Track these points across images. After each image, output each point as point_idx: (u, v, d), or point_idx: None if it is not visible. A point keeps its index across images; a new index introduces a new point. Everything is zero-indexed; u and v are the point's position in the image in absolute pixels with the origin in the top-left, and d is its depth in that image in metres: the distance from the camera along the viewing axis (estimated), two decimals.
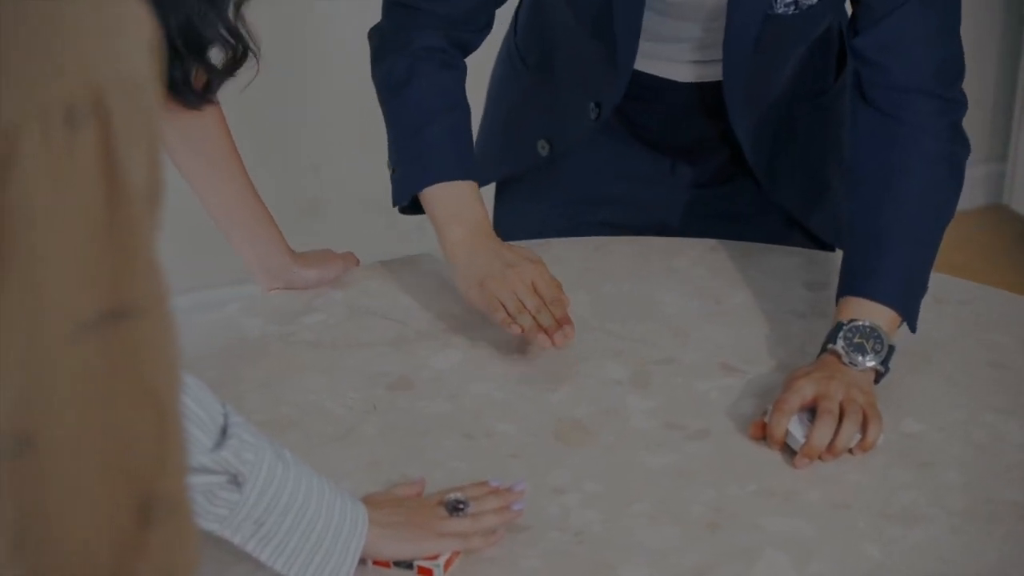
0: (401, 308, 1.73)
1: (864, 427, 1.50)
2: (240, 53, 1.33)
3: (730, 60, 1.71)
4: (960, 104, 1.67)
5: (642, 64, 1.79)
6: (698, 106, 1.83)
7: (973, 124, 1.69)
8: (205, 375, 1.36)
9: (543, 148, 1.89)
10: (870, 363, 1.55)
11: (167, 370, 0.75)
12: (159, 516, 0.75)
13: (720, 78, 1.75)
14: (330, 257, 1.78)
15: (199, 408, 1.19)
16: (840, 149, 1.84)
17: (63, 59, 0.69)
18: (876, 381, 1.57)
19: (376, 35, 1.76)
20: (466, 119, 1.72)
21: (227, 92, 1.52)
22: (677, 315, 1.73)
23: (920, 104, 1.64)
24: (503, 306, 1.59)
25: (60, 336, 0.70)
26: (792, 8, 1.66)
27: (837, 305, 1.61)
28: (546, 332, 1.58)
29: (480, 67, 1.91)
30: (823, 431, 1.48)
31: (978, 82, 3.69)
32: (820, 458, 1.49)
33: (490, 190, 1.87)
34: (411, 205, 1.73)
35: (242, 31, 1.30)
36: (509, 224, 1.91)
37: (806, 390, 1.52)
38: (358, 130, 3.02)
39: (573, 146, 1.88)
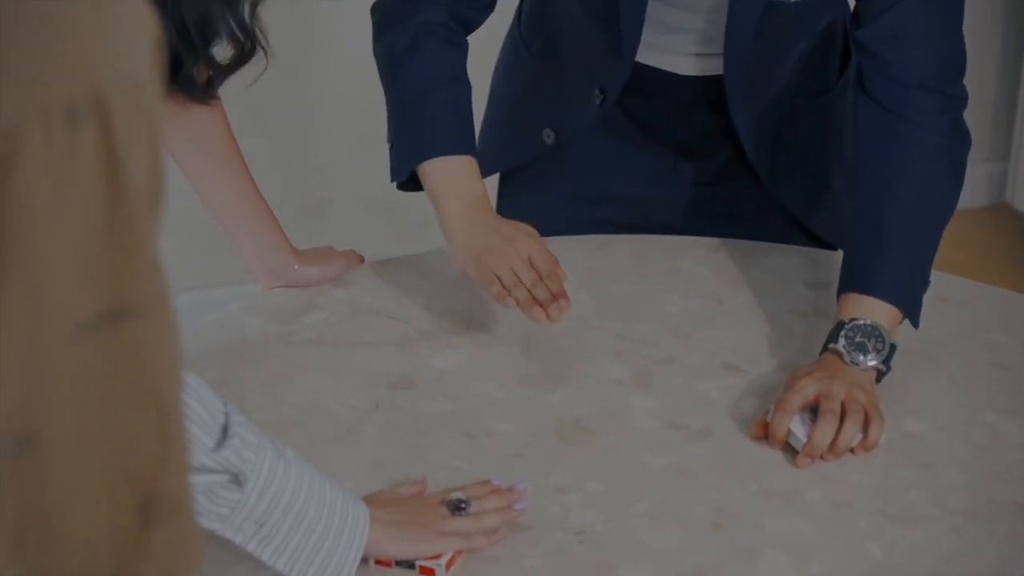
0: (403, 307, 1.73)
1: (866, 427, 1.50)
2: (248, 49, 1.33)
3: (731, 48, 1.71)
4: (961, 100, 1.67)
5: (645, 56, 1.79)
6: (700, 101, 1.84)
7: (975, 123, 1.69)
8: (206, 374, 1.36)
9: (548, 137, 1.89)
10: (872, 362, 1.55)
11: (168, 370, 0.75)
12: (161, 516, 0.75)
13: (722, 72, 1.75)
14: (332, 255, 1.78)
15: (200, 407, 1.19)
16: (842, 149, 1.84)
17: (64, 58, 0.69)
18: (878, 380, 1.57)
19: (379, 10, 1.76)
20: (467, 94, 1.72)
21: (231, 91, 1.52)
22: (679, 315, 1.73)
23: (921, 100, 1.64)
24: (499, 279, 1.58)
25: (61, 336, 0.70)
26: None
27: (838, 302, 1.61)
28: (541, 306, 1.57)
29: (483, 60, 1.91)
30: (825, 431, 1.48)
31: (980, 81, 3.69)
32: (822, 458, 1.49)
33: (492, 184, 1.86)
34: (410, 181, 1.73)
35: (253, 28, 1.30)
36: (511, 218, 1.91)
37: (808, 390, 1.52)
38: (362, 129, 3.02)
39: (578, 134, 1.88)
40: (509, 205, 1.97)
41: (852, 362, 1.55)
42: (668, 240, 1.88)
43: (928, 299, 1.64)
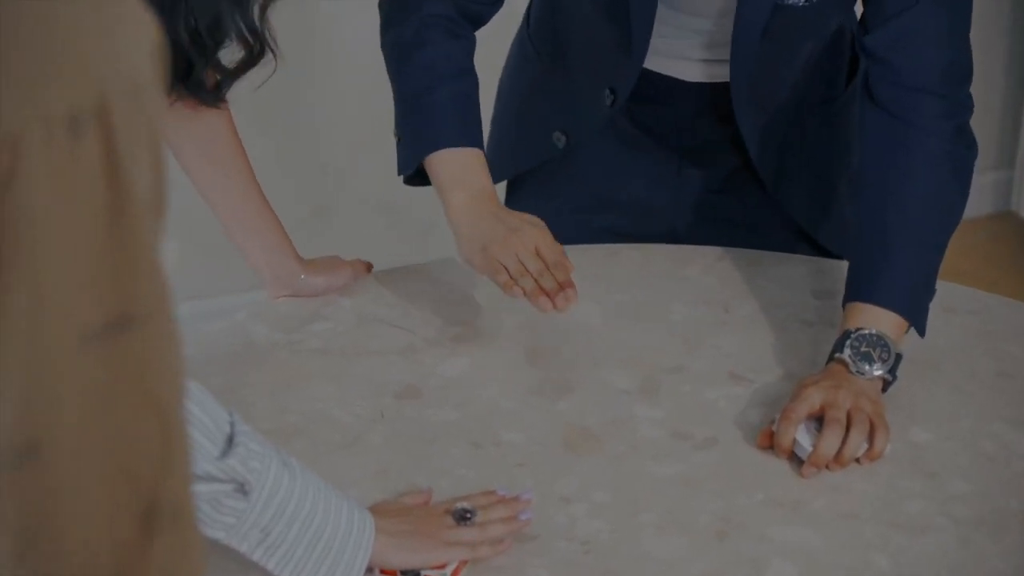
0: (409, 316, 1.73)
1: (871, 436, 1.50)
2: (257, 51, 1.33)
3: (738, 49, 1.71)
4: (967, 107, 1.67)
5: (652, 63, 1.79)
6: (707, 108, 1.84)
7: (981, 131, 1.69)
8: (212, 382, 1.36)
9: (559, 140, 1.89)
10: (877, 372, 1.55)
11: (171, 377, 0.75)
12: (163, 524, 0.75)
13: (729, 79, 1.75)
14: (338, 264, 1.78)
15: (205, 416, 1.19)
16: (849, 160, 1.84)
17: (65, 65, 0.69)
18: (884, 390, 1.57)
19: (386, 4, 1.76)
20: (473, 87, 1.72)
21: (235, 96, 1.52)
22: (685, 323, 1.73)
23: (927, 105, 1.64)
24: (505, 269, 1.57)
25: (63, 343, 0.70)
26: (802, 0, 1.66)
27: (844, 311, 1.61)
28: (548, 295, 1.56)
29: (490, 64, 1.91)
30: (831, 440, 1.48)
31: (986, 89, 3.68)
32: (827, 467, 1.48)
33: (500, 191, 1.86)
34: (416, 175, 1.72)
35: (262, 30, 1.30)
36: None
37: (814, 399, 1.52)
38: (366, 132, 3.02)
39: (588, 138, 1.88)
40: (517, 211, 1.97)
41: (858, 371, 1.55)
42: (674, 249, 1.88)
43: (934, 308, 1.64)
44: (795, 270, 1.84)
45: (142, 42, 0.73)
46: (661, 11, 1.71)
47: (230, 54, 1.34)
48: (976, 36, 1.68)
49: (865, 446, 1.49)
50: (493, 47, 1.94)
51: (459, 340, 1.69)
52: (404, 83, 1.71)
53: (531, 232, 1.59)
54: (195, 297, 3.01)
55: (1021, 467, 1.51)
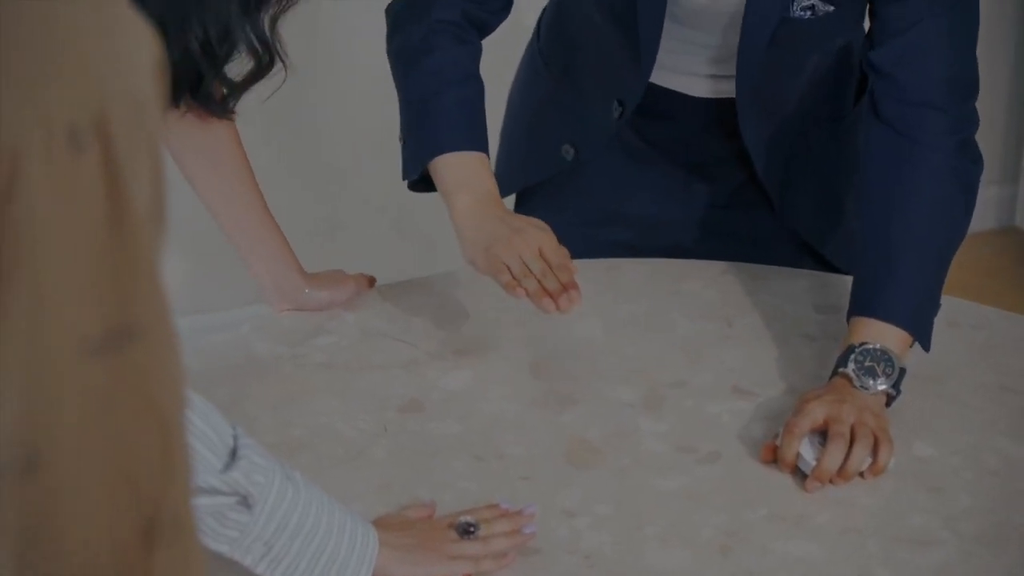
0: (412, 330, 1.73)
1: (875, 451, 1.50)
2: (266, 62, 1.33)
3: (743, 61, 1.71)
4: (972, 122, 1.67)
5: (659, 77, 1.80)
6: (714, 123, 1.84)
7: (985, 146, 1.69)
8: (216, 396, 1.37)
9: (568, 153, 1.90)
10: (881, 386, 1.55)
11: (172, 388, 0.75)
12: (164, 536, 0.75)
13: (735, 95, 1.76)
14: (342, 279, 1.78)
15: (209, 429, 1.19)
16: (856, 176, 1.84)
17: (66, 78, 0.69)
18: (888, 404, 1.57)
19: (392, 10, 1.76)
20: (479, 93, 1.72)
21: (242, 107, 1.52)
22: (688, 337, 1.73)
23: (932, 120, 1.64)
24: (508, 269, 1.56)
25: (65, 355, 0.70)
26: (808, 13, 1.66)
27: (848, 325, 1.61)
28: (551, 296, 1.54)
29: (497, 76, 1.91)
30: (834, 454, 1.48)
31: (990, 104, 3.69)
32: (831, 481, 1.48)
33: (509, 205, 1.87)
34: (421, 181, 1.72)
35: (271, 41, 1.30)
36: None
37: (817, 413, 1.52)
38: (373, 147, 3.03)
39: (597, 151, 1.89)
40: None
41: (861, 386, 1.55)
42: (677, 263, 1.88)
43: (939, 323, 1.64)
44: (798, 284, 1.84)
45: (143, 56, 0.73)
46: (668, 25, 1.72)
47: (237, 66, 1.35)
48: (981, 51, 1.68)
49: (869, 460, 1.49)
50: (500, 56, 1.94)
51: (462, 354, 1.69)
52: (410, 88, 1.72)
53: (535, 233, 1.59)
54: (199, 310, 3.02)
55: None
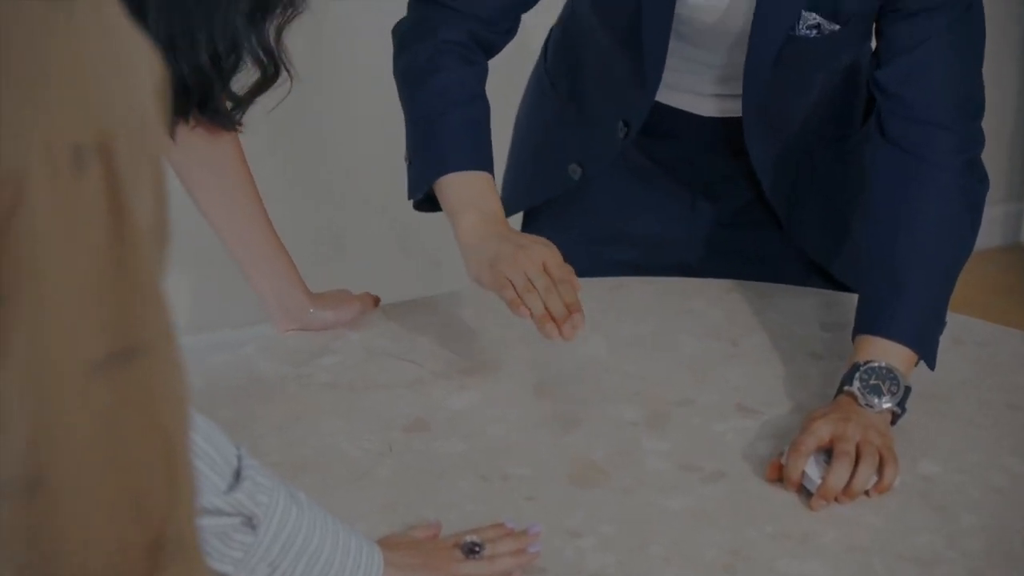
0: (417, 350, 1.73)
1: (880, 469, 1.49)
2: (271, 73, 1.33)
3: (750, 79, 1.71)
4: (979, 141, 1.67)
5: (665, 96, 1.80)
6: (720, 142, 1.84)
7: (990, 164, 1.69)
8: (221, 416, 1.36)
9: (575, 172, 1.90)
10: (886, 405, 1.55)
11: (176, 408, 0.75)
12: (169, 556, 0.75)
13: (741, 114, 1.76)
14: (347, 298, 1.78)
15: (213, 450, 1.19)
16: (863, 195, 1.84)
17: (68, 99, 0.69)
18: (893, 422, 1.56)
19: (399, 30, 1.77)
20: (485, 113, 1.72)
21: (248, 124, 1.52)
22: (694, 356, 1.73)
23: (938, 140, 1.64)
24: (512, 285, 1.56)
25: (69, 375, 0.70)
26: (815, 32, 1.66)
27: (853, 344, 1.61)
28: (555, 321, 1.54)
29: (503, 96, 1.91)
30: (840, 473, 1.48)
31: (997, 123, 3.69)
32: (836, 500, 1.48)
33: (515, 224, 1.87)
34: (426, 200, 1.72)
35: (276, 51, 1.30)
36: None
37: (822, 431, 1.51)
38: (377, 167, 3.03)
39: (603, 170, 1.89)
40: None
41: (867, 404, 1.55)
42: (683, 282, 1.88)
43: (944, 341, 1.64)
44: (803, 303, 1.84)
45: (145, 75, 0.73)
46: (673, 44, 1.72)
47: (242, 77, 1.35)
48: (987, 71, 1.68)
49: (874, 479, 1.49)
50: (507, 77, 1.94)
51: (467, 373, 1.69)
52: (416, 107, 1.72)
53: (540, 249, 1.58)
54: (203, 330, 3.02)
55: None
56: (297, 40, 1.30)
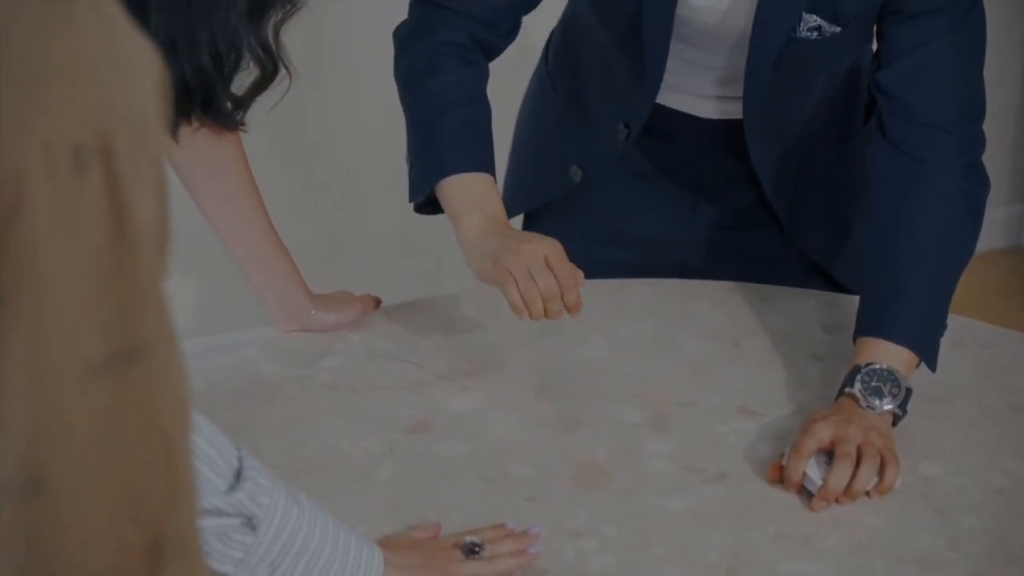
0: (419, 351, 1.73)
1: (882, 471, 1.49)
2: (271, 71, 1.33)
3: (751, 81, 1.71)
4: (980, 144, 1.67)
5: (666, 98, 1.80)
6: (721, 144, 1.84)
7: (993, 166, 1.69)
8: (222, 417, 1.37)
9: (576, 174, 1.90)
10: (887, 407, 1.55)
11: (176, 409, 0.75)
12: (169, 557, 0.75)
13: (742, 116, 1.76)
14: (348, 300, 1.78)
15: (213, 451, 1.19)
16: (864, 197, 1.84)
17: (68, 102, 0.69)
18: (894, 424, 1.56)
19: (400, 32, 1.76)
20: (486, 114, 1.71)
21: (249, 125, 1.52)
22: (695, 358, 1.73)
23: (939, 142, 1.64)
24: (515, 282, 1.55)
25: (70, 377, 0.70)
26: (815, 34, 1.66)
27: (854, 346, 1.61)
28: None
29: (504, 99, 1.91)
30: (841, 474, 1.48)
31: (999, 125, 3.69)
32: (837, 501, 1.48)
33: (516, 226, 1.87)
34: (427, 203, 1.72)
35: (275, 49, 1.30)
36: None
37: (823, 433, 1.51)
38: (381, 165, 3.03)
39: (604, 172, 1.89)
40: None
41: (868, 406, 1.55)
42: (684, 283, 1.88)
43: (945, 343, 1.64)
44: (805, 304, 1.84)
45: (145, 76, 0.73)
46: (675, 46, 1.72)
47: (242, 77, 1.35)
48: (989, 73, 1.68)
49: (875, 480, 1.49)
50: (508, 79, 1.94)
51: (468, 375, 1.69)
52: (416, 109, 1.72)
53: (543, 243, 1.58)
54: (205, 333, 3.02)
55: None
56: (297, 40, 1.30)
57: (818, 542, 1.43)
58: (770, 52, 1.68)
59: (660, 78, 1.75)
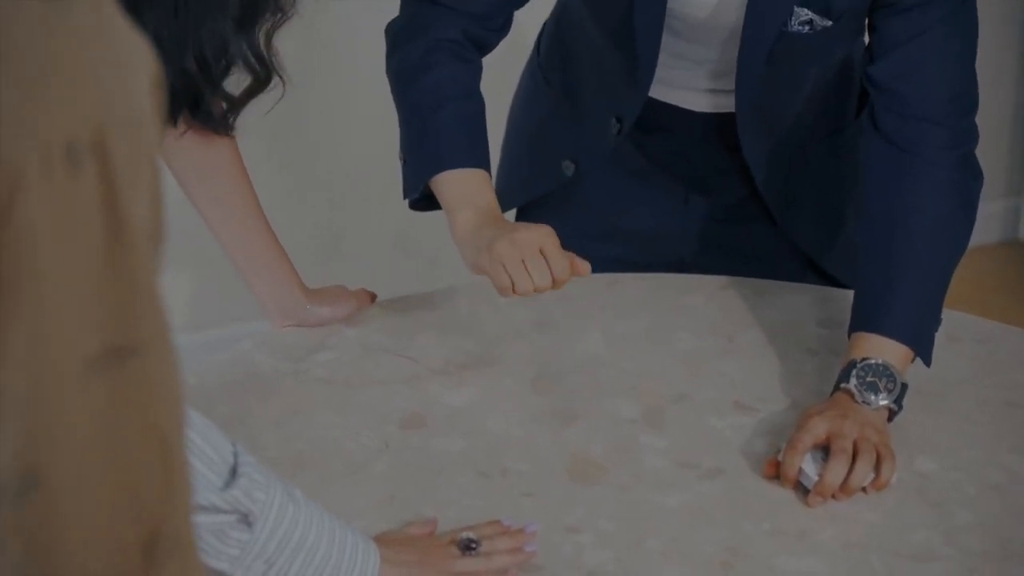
0: (414, 345, 1.73)
1: (878, 466, 1.49)
2: (264, 78, 1.33)
3: (743, 75, 1.71)
4: (972, 137, 1.67)
5: (659, 92, 1.80)
6: (714, 137, 1.84)
7: (989, 159, 1.69)
8: (218, 412, 1.37)
9: (568, 168, 1.90)
10: (883, 402, 1.55)
11: (172, 407, 0.75)
12: (165, 554, 0.75)
13: (734, 109, 1.76)
14: (343, 294, 1.78)
15: (209, 447, 1.19)
16: (857, 189, 1.84)
17: (64, 98, 0.69)
18: (889, 420, 1.56)
19: (392, 28, 1.76)
20: (479, 109, 1.72)
21: (245, 124, 1.52)
22: (690, 352, 1.73)
23: (932, 136, 1.64)
24: (506, 272, 1.54)
25: (66, 374, 0.70)
26: (807, 28, 1.66)
27: (849, 341, 1.61)
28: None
29: (497, 93, 1.91)
30: (837, 469, 1.48)
31: (995, 118, 3.69)
32: (833, 497, 1.48)
33: (510, 219, 1.87)
34: (422, 199, 1.72)
35: (267, 56, 1.30)
36: None
37: (819, 428, 1.51)
38: (378, 163, 3.02)
39: (596, 166, 1.89)
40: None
41: (864, 401, 1.55)
42: (678, 278, 1.88)
43: (941, 338, 1.64)
44: (800, 299, 1.84)
45: (140, 73, 0.73)
46: (667, 40, 1.72)
47: (237, 82, 1.35)
48: (985, 64, 1.68)
49: (871, 476, 1.49)
50: (500, 73, 1.94)
51: (464, 369, 1.69)
52: (410, 105, 1.71)
53: (537, 232, 1.57)
54: (200, 327, 3.01)
55: None
56: (294, 40, 1.30)
57: (814, 537, 1.43)
58: (762, 46, 1.68)
59: (652, 73, 1.75)
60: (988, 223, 3.73)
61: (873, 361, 1.57)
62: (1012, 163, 3.86)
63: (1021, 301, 3.60)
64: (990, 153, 1.70)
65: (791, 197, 1.88)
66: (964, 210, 1.66)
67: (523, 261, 1.54)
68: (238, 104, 1.38)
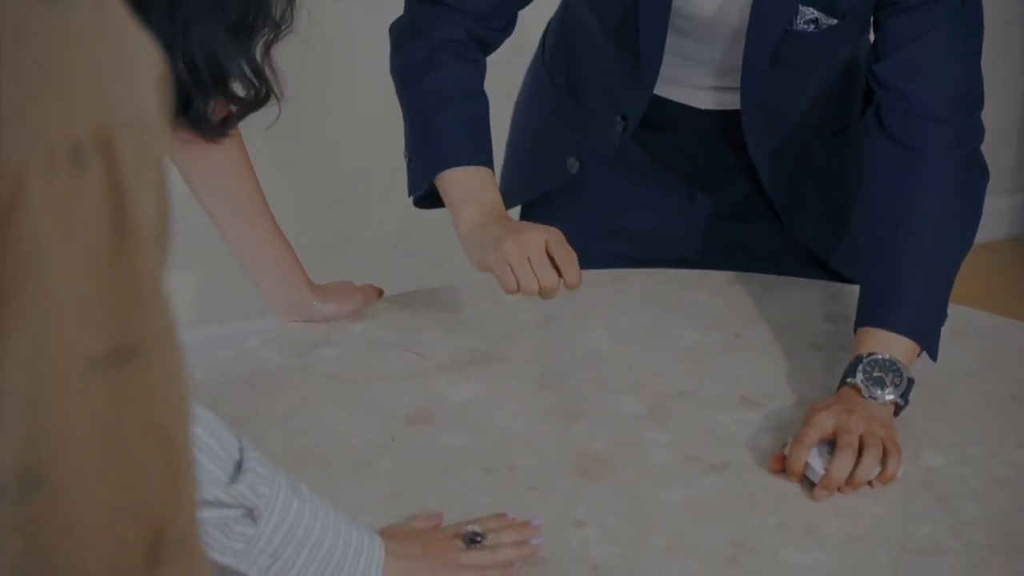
0: (420, 341, 1.73)
1: (884, 460, 1.49)
2: (263, 93, 1.33)
3: (748, 74, 1.71)
4: (978, 134, 1.67)
5: (663, 90, 1.80)
6: (719, 135, 1.84)
7: (997, 156, 1.69)
8: (223, 408, 1.37)
9: (572, 166, 1.90)
10: (889, 396, 1.55)
11: (176, 406, 0.75)
12: (170, 553, 0.75)
13: (740, 107, 1.76)
14: (349, 290, 1.78)
15: (214, 442, 1.19)
16: (861, 187, 1.84)
17: (69, 97, 0.69)
18: (896, 414, 1.56)
19: (396, 28, 1.76)
20: (484, 108, 1.72)
21: (248, 125, 1.52)
22: (695, 348, 1.73)
23: (937, 134, 1.64)
24: (511, 270, 1.54)
25: (69, 374, 0.70)
26: (812, 27, 1.66)
27: (855, 336, 1.61)
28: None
29: (502, 92, 1.91)
30: (843, 464, 1.48)
31: (1003, 114, 3.68)
32: (839, 491, 1.48)
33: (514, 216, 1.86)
34: (426, 197, 1.72)
35: (266, 71, 1.30)
36: None
37: (826, 423, 1.51)
38: (380, 163, 3.02)
39: (600, 164, 1.88)
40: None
41: (870, 396, 1.55)
42: (683, 273, 1.88)
43: (947, 333, 1.63)
44: (805, 294, 1.84)
45: (146, 73, 0.73)
46: (671, 39, 1.72)
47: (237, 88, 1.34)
48: (990, 62, 1.68)
49: (878, 470, 1.49)
50: (504, 72, 1.94)
51: (470, 365, 1.69)
52: (415, 104, 1.72)
53: (542, 231, 1.57)
54: (207, 324, 3.02)
55: None
56: (297, 39, 1.30)
57: (820, 531, 1.43)
58: (767, 45, 1.68)
59: (657, 72, 1.75)
60: (995, 219, 3.73)
61: (879, 356, 1.57)
62: (1019, 159, 3.86)
63: None
64: (997, 149, 1.70)
65: (796, 196, 1.88)
66: (969, 208, 1.66)
67: (528, 261, 1.55)
68: (235, 118, 1.38)
